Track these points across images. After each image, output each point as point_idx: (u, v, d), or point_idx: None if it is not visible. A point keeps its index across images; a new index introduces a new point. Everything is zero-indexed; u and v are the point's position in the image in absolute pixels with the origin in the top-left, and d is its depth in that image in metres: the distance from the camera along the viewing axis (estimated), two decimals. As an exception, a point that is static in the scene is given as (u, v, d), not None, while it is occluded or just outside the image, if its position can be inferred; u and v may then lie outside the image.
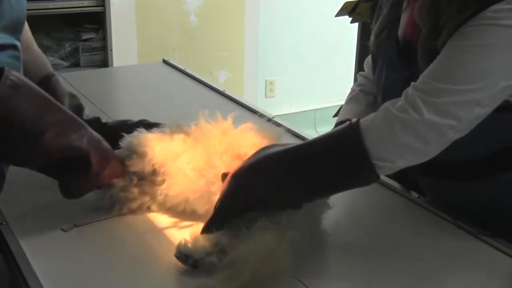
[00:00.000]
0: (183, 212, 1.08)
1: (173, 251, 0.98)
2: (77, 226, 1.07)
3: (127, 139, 1.12)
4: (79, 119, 1.06)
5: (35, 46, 1.40)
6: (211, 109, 1.16)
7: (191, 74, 1.96)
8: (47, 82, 1.32)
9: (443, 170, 1.13)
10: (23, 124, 0.98)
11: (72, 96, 1.33)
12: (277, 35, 4.06)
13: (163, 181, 1.10)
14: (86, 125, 1.06)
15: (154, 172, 1.10)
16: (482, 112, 0.94)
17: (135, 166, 1.10)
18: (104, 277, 0.95)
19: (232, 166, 1.03)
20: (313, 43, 4.17)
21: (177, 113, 1.52)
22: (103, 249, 1.02)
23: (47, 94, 1.04)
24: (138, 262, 0.99)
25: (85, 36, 2.98)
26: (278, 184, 0.97)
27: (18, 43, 1.22)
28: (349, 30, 3.06)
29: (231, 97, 1.76)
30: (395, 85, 1.04)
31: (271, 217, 0.96)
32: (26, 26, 1.39)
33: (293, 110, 4.24)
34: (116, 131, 1.17)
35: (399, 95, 0.97)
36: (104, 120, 1.29)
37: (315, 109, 4.33)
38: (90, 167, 1.03)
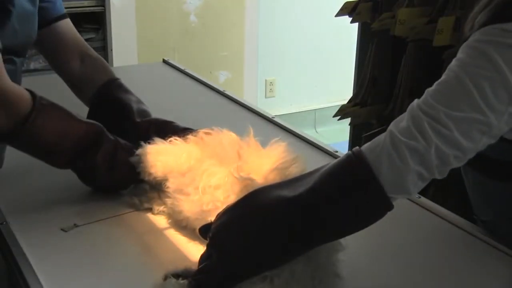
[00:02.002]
0: (185, 229, 1.06)
1: (173, 251, 0.98)
2: (77, 226, 1.07)
3: (141, 147, 1.13)
4: (100, 131, 1.14)
5: (91, 51, 1.41)
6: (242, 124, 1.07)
7: (191, 74, 1.96)
8: (108, 88, 1.31)
9: (490, 167, 1.08)
10: (45, 147, 1.10)
11: (138, 101, 1.31)
12: (277, 35, 4.07)
13: (169, 194, 1.10)
14: (105, 136, 1.14)
15: (160, 185, 1.11)
16: (488, 141, 0.87)
17: (142, 175, 1.13)
18: (104, 277, 0.95)
19: (232, 189, 0.98)
20: (313, 43, 4.18)
21: (177, 114, 1.52)
22: (103, 249, 1.02)
23: (69, 112, 1.12)
24: (138, 262, 0.99)
25: (85, 36, 2.97)
26: (283, 240, 0.86)
27: (17, 59, 1.22)
28: (349, 30, 3.06)
29: (231, 97, 1.76)
30: None
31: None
32: (78, 36, 1.40)
33: (293, 110, 4.24)
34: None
35: None
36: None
37: (315, 109, 4.34)
38: (100, 175, 1.14)
